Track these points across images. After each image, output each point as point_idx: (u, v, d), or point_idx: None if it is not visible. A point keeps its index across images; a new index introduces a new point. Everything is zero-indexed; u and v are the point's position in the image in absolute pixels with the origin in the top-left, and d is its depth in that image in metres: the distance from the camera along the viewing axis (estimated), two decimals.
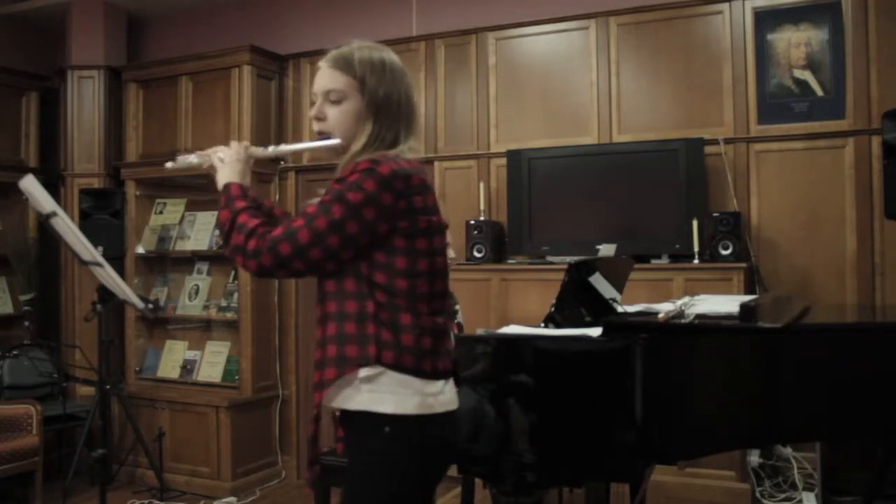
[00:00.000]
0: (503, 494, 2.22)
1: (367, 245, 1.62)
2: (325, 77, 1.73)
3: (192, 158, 1.85)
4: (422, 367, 1.63)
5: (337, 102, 1.71)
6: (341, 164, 1.70)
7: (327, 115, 1.73)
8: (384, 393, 1.61)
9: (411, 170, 1.65)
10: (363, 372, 1.61)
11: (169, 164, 1.90)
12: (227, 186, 1.74)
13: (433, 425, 1.65)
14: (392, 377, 1.61)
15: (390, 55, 1.76)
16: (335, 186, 1.63)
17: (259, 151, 1.84)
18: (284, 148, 1.85)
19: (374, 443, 1.62)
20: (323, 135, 1.74)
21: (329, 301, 1.67)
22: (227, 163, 1.78)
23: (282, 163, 4.95)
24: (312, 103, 1.77)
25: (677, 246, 3.84)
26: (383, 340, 1.61)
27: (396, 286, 1.62)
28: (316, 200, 1.67)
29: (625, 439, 2.11)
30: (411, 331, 1.63)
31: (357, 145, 1.69)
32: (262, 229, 1.63)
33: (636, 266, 3.20)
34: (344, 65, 1.71)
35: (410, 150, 1.73)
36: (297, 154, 4.96)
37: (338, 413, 1.69)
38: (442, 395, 1.67)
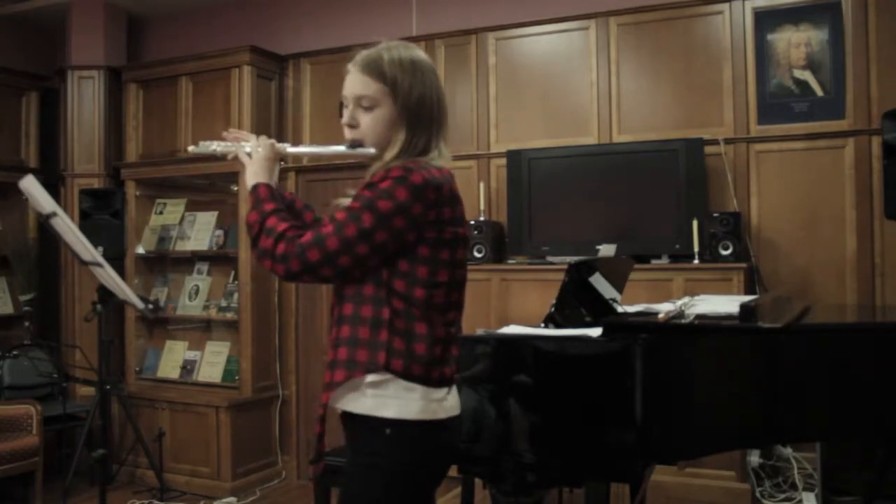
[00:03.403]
0: (503, 494, 2.21)
1: (393, 253, 1.61)
2: (357, 82, 1.69)
3: (216, 147, 1.80)
4: (430, 375, 1.63)
5: (369, 109, 1.68)
6: (372, 170, 1.68)
7: (360, 122, 1.70)
8: (389, 398, 1.61)
9: (442, 179, 1.64)
10: (370, 377, 1.61)
11: (191, 148, 1.84)
12: (256, 188, 1.71)
13: (436, 430, 1.65)
14: (399, 384, 1.61)
15: (419, 54, 1.72)
16: (366, 193, 1.60)
17: (285, 148, 1.80)
18: (308, 149, 1.79)
19: (374, 445, 1.62)
20: (356, 142, 1.70)
21: (346, 303, 1.66)
22: (255, 160, 1.75)
23: (282, 163, 4.93)
24: (342, 105, 1.73)
25: (677, 246, 3.84)
26: (395, 349, 1.61)
27: (414, 295, 1.62)
28: (345, 202, 1.65)
29: (625, 439, 2.11)
30: (425, 340, 1.62)
31: (390, 154, 1.66)
32: (291, 233, 1.62)
33: (636, 266, 3.20)
34: (375, 70, 1.67)
35: (441, 157, 1.70)
36: (299, 155, 4.95)
37: (339, 413, 1.70)
38: (446, 402, 1.67)
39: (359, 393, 1.63)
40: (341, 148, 1.73)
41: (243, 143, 1.79)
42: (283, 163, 1.88)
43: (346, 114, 1.72)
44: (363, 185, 1.63)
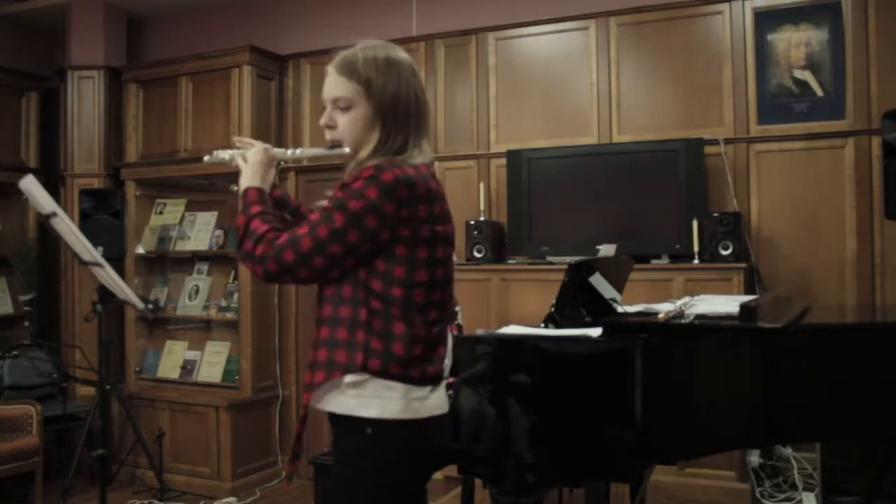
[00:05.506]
0: (503, 494, 2.21)
1: (368, 252, 1.62)
2: (333, 84, 1.71)
3: (225, 155, 1.84)
4: (409, 374, 1.63)
5: (346, 110, 1.69)
6: (348, 170, 1.69)
7: (337, 123, 1.71)
8: (369, 398, 1.61)
9: (417, 177, 1.63)
10: (349, 378, 1.62)
11: (206, 158, 1.90)
12: (246, 192, 1.74)
13: (418, 429, 1.65)
14: (378, 383, 1.61)
15: (397, 53, 1.72)
16: (338, 194, 1.62)
17: (280, 153, 1.82)
18: (303, 152, 1.84)
19: (356, 445, 1.63)
20: (336, 142, 1.72)
21: (326, 304, 1.67)
22: (249, 165, 1.77)
23: (282, 163, 4.93)
24: (323, 109, 1.75)
25: (677, 246, 3.84)
26: (372, 349, 1.61)
27: (392, 294, 1.62)
28: (321, 205, 1.66)
29: (625, 439, 2.11)
30: (403, 339, 1.62)
31: (364, 152, 1.67)
32: (270, 235, 1.64)
33: (636, 266, 3.20)
34: (349, 70, 1.68)
35: (421, 154, 1.70)
36: (290, 158, 4.95)
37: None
38: (428, 400, 1.67)
39: (339, 393, 1.63)
40: (321, 150, 1.77)
41: (246, 149, 1.82)
42: (282, 163, 1.91)
43: (325, 115, 1.74)
44: (338, 186, 1.65)
